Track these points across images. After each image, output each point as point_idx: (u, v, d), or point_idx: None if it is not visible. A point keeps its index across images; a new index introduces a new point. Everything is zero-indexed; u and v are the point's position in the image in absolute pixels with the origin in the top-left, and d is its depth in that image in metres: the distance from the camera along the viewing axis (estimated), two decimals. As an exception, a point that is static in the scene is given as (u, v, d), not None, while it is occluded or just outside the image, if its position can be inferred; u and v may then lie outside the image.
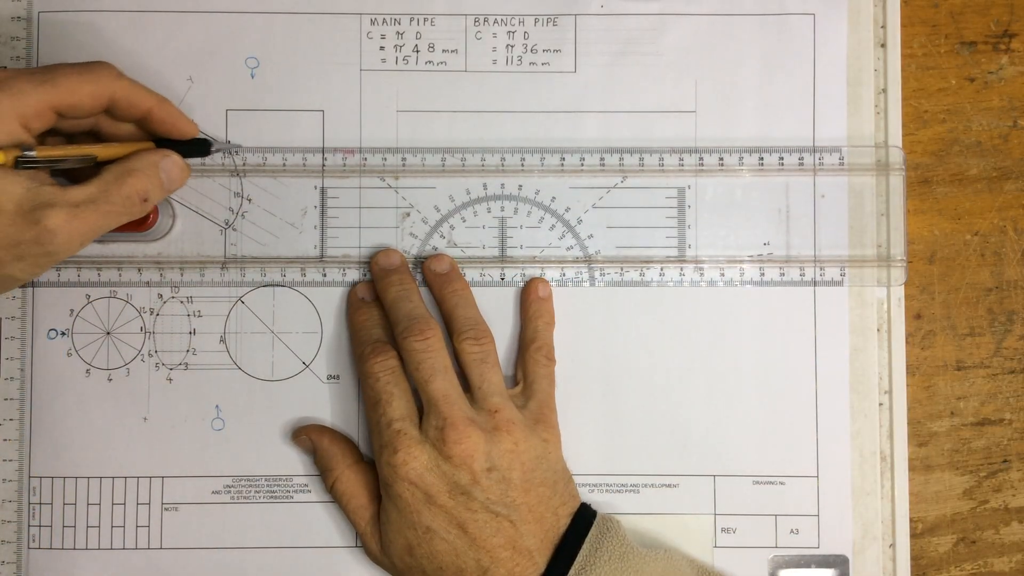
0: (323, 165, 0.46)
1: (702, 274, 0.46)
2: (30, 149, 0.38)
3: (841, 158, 0.47)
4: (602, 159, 0.46)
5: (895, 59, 0.47)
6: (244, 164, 0.46)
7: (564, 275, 0.46)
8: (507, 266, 0.46)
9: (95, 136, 0.43)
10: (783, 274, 0.47)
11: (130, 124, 0.42)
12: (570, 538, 0.41)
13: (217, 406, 0.46)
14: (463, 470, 0.40)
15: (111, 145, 0.41)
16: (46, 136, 0.41)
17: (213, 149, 0.44)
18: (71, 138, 0.42)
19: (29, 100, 0.38)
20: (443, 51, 0.47)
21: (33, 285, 0.46)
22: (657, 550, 0.43)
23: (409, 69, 0.47)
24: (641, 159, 0.47)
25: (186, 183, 0.43)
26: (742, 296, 0.46)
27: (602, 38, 0.47)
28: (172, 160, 0.42)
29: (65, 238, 0.38)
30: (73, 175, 0.42)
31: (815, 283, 0.46)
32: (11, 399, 0.45)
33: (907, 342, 0.47)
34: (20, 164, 0.38)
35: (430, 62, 0.47)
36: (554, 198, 0.47)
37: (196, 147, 0.43)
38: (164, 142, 0.42)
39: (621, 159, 0.47)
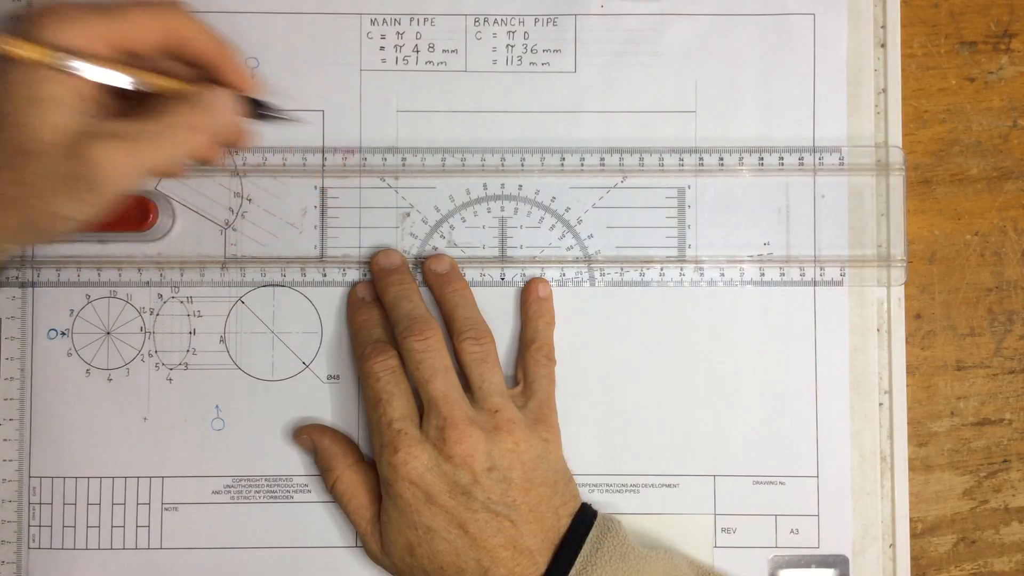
0: (323, 165, 0.46)
1: (702, 274, 0.46)
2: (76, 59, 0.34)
3: (841, 158, 0.47)
4: (602, 159, 0.46)
5: (895, 59, 0.47)
6: (244, 164, 0.46)
7: (564, 275, 0.46)
8: (507, 266, 0.46)
9: None
10: (783, 274, 0.47)
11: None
12: (571, 538, 0.41)
13: (217, 406, 0.46)
14: (464, 470, 0.40)
15: (172, 80, 0.38)
16: None
17: (270, 114, 0.42)
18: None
19: (92, 31, 0.35)
20: (443, 51, 0.47)
21: (33, 285, 0.46)
22: (658, 550, 0.43)
23: (409, 69, 0.47)
24: (641, 159, 0.47)
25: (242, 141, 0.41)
26: (742, 296, 0.46)
27: (602, 38, 0.47)
28: (227, 96, 0.38)
29: (114, 173, 0.34)
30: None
31: (815, 283, 0.46)
32: (11, 399, 0.45)
33: (907, 342, 0.47)
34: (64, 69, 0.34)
35: (430, 62, 0.47)
36: (554, 198, 0.47)
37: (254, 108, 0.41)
38: None
39: (621, 159, 0.46)
